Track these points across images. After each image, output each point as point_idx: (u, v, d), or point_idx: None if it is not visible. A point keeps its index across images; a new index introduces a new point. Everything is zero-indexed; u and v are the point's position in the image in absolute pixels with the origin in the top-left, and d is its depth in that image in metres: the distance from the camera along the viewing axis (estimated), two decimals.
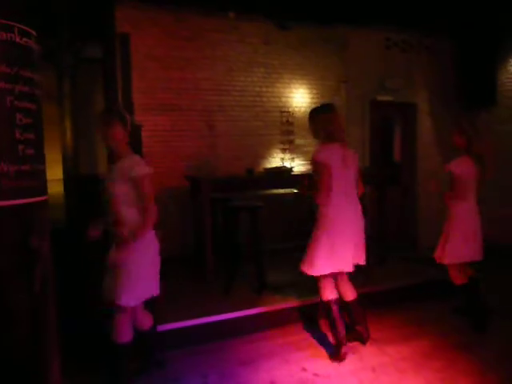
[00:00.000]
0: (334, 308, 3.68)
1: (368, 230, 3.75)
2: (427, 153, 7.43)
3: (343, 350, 3.66)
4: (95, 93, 5.99)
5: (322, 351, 3.83)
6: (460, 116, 6.91)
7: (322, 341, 3.99)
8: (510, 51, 7.06)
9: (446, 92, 7.60)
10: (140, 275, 3.04)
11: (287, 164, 6.48)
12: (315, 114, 3.74)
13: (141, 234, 3.02)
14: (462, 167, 4.13)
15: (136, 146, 3.25)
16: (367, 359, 3.68)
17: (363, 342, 3.89)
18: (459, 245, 4.18)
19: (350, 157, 3.61)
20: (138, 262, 3.02)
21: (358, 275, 3.83)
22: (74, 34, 4.74)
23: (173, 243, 5.03)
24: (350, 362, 3.63)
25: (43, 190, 1.91)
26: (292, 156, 6.59)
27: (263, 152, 6.52)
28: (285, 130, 6.61)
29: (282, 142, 6.61)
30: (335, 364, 3.60)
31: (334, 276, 3.72)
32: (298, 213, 5.97)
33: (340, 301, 3.77)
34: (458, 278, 4.33)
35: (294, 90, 6.72)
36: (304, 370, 3.52)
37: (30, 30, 1.80)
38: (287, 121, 6.61)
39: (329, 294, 3.69)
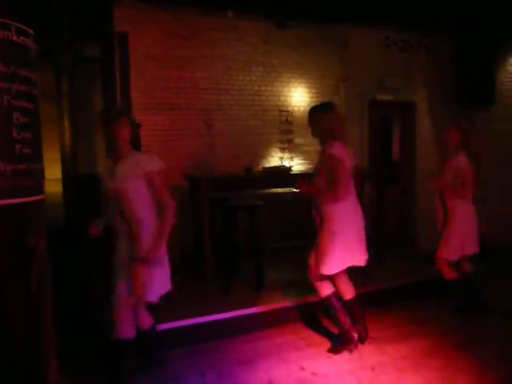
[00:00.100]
0: (335, 300, 3.73)
1: (367, 229, 3.75)
2: (426, 152, 7.43)
3: (355, 338, 3.74)
4: (94, 92, 5.99)
5: (321, 350, 3.82)
6: (459, 115, 6.93)
7: (321, 340, 3.98)
8: (510, 51, 7.07)
9: (445, 91, 7.60)
10: (157, 270, 3.06)
11: (286, 163, 6.48)
12: (316, 112, 3.70)
13: (165, 232, 3.03)
14: (466, 164, 4.18)
15: (135, 145, 3.24)
16: (366, 358, 3.67)
17: (362, 341, 3.89)
18: (461, 242, 4.27)
19: (351, 155, 3.64)
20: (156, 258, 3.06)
21: (357, 274, 3.83)
22: (73, 34, 4.73)
23: (172, 242, 5.01)
24: (349, 361, 3.63)
25: (40, 189, 1.91)
26: (291, 155, 6.59)
27: (262, 151, 6.52)
28: (284, 129, 6.60)
29: (281, 141, 6.60)
30: (334, 363, 3.60)
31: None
32: (296, 212, 5.96)
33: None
34: (449, 273, 4.40)
35: (292, 89, 6.72)
36: (302, 369, 3.51)
37: (28, 29, 1.80)
38: (286, 120, 6.61)
39: (326, 289, 3.72)
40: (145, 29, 5.76)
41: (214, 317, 4.09)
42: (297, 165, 6.61)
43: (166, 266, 3.18)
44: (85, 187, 4.70)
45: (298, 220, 5.87)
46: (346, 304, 3.83)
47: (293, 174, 5.82)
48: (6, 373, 1.77)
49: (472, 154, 4.20)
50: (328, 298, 3.73)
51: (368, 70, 7.08)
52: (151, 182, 3.05)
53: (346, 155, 3.55)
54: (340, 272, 3.67)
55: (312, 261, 3.70)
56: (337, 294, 3.75)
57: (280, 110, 6.60)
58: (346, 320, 3.74)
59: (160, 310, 3.44)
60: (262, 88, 6.52)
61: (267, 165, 6.41)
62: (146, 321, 3.36)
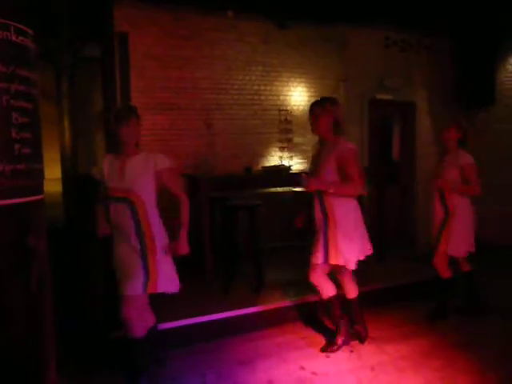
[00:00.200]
0: (336, 303, 3.73)
1: (367, 229, 3.75)
2: (426, 152, 7.42)
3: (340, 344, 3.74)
4: (94, 92, 6.00)
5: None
6: (458, 115, 6.93)
7: (321, 339, 3.98)
8: (510, 51, 7.06)
9: (445, 91, 7.60)
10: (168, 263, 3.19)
11: (285, 162, 6.48)
12: (331, 104, 3.57)
13: (186, 223, 3.19)
14: (471, 161, 4.20)
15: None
16: (366, 358, 3.67)
17: (361, 341, 3.90)
18: (462, 240, 4.25)
19: None
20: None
21: (357, 274, 3.83)
22: (73, 34, 4.74)
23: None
24: (349, 361, 3.63)
25: (40, 189, 1.91)
26: (290, 154, 6.59)
27: (261, 150, 6.51)
28: (283, 129, 6.60)
29: (281, 141, 6.60)
30: (334, 363, 3.60)
31: (337, 271, 3.75)
32: (296, 211, 5.96)
33: (341, 298, 3.78)
34: (446, 272, 4.38)
35: (292, 89, 6.72)
36: (302, 368, 3.51)
37: (27, 29, 1.79)
38: (286, 119, 6.61)
39: (329, 291, 3.70)
40: (145, 29, 5.76)
41: (214, 316, 4.09)
42: (296, 164, 6.61)
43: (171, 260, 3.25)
44: (85, 187, 4.70)
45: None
46: (348, 303, 3.84)
47: (292, 173, 5.82)
48: (6, 373, 1.77)
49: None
50: (330, 299, 3.72)
51: (368, 70, 7.08)
52: (163, 179, 3.14)
53: None
54: (349, 269, 3.68)
55: (319, 258, 3.58)
56: (339, 295, 3.74)
57: (279, 110, 6.60)
58: (345, 325, 3.77)
59: (160, 309, 3.44)
60: (262, 87, 6.52)
61: (267, 164, 6.41)
62: (149, 319, 3.37)
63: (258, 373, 3.45)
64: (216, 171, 6.03)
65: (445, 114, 7.33)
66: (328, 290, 3.71)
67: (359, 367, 3.53)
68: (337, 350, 3.74)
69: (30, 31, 1.82)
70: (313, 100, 3.76)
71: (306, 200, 3.90)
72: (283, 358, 3.68)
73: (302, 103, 6.69)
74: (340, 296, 3.78)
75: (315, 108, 3.59)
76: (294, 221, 3.94)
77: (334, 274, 3.78)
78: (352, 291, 3.83)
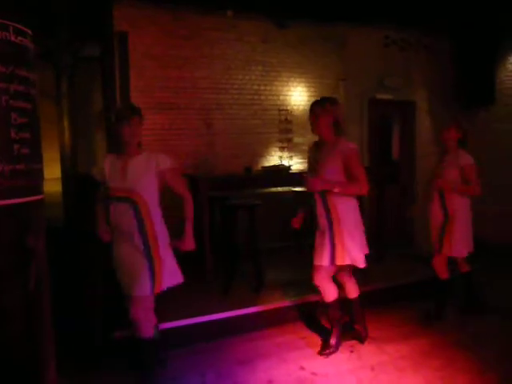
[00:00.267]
0: (336, 307, 3.73)
1: (366, 228, 3.74)
2: (426, 151, 7.41)
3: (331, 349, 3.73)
4: (93, 92, 5.98)
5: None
6: (458, 114, 6.94)
7: (321, 339, 3.98)
8: (510, 50, 7.06)
9: (444, 90, 7.60)
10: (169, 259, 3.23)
11: (285, 162, 6.48)
12: (331, 104, 3.55)
13: (191, 219, 3.26)
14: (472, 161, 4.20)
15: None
16: (366, 358, 3.67)
17: (361, 340, 3.89)
18: (466, 238, 4.25)
19: None
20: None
21: (356, 274, 3.83)
22: (73, 34, 4.73)
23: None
24: (349, 361, 3.63)
25: (39, 189, 1.90)
26: (290, 154, 6.58)
27: (261, 150, 6.51)
28: (283, 129, 6.60)
29: (280, 141, 6.60)
30: (333, 363, 3.60)
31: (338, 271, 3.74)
32: (296, 211, 5.96)
33: (342, 299, 3.78)
34: (445, 273, 4.38)
35: (292, 89, 6.71)
36: (302, 368, 3.51)
37: (26, 29, 1.79)
38: (285, 119, 6.60)
39: (331, 295, 3.69)
40: (144, 28, 5.75)
41: (214, 316, 4.09)
42: (296, 164, 6.60)
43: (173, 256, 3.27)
44: (84, 187, 4.69)
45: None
46: (349, 303, 3.83)
47: (292, 173, 5.82)
48: (5, 372, 1.77)
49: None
50: (332, 303, 3.71)
51: (368, 70, 7.08)
52: (165, 179, 3.17)
53: None
54: (350, 270, 3.69)
55: (325, 260, 3.54)
56: (341, 296, 3.74)
57: (279, 110, 6.60)
58: (338, 334, 3.78)
59: (160, 309, 3.43)
60: (262, 87, 6.52)
61: (266, 164, 6.40)
62: (153, 319, 3.36)
63: (257, 373, 3.45)
64: (216, 171, 6.03)
65: (445, 113, 7.32)
66: (330, 293, 3.69)
67: (359, 367, 3.52)
68: (332, 351, 3.72)
69: (28, 31, 1.82)
70: (313, 99, 3.74)
71: (303, 200, 3.89)
72: (283, 358, 3.68)
73: (302, 103, 6.68)
74: (341, 297, 3.78)
75: (315, 108, 3.56)
76: (291, 221, 3.91)
77: (334, 274, 3.77)
78: (353, 291, 3.83)
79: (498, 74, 7.19)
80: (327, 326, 3.97)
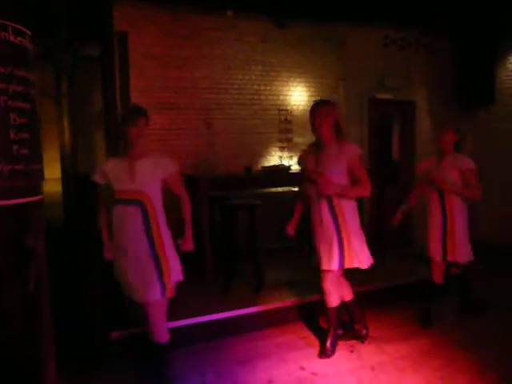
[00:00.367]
0: (338, 312, 3.72)
1: (366, 227, 3.74)
2: (426, 151, 7.39)
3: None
4: (93, 92, 6.00)
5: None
6: (458, 114, 6.94)
7: (320, 340, 3.97)
8: (509, 50, 7.06)
9: (445, 90, 7.60)
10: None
11: (285, 162, 6.48)
12: (333, 106, 3.56)
13: (190, 221, 3.33)
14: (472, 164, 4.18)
15: None
16: (366, 358, 3.67)
17: (362, 340, 3.89)
18: (468, 241, 4.24)
19: None
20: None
21: (356, 274, 3.82)
22: (73, 34, 4.74)
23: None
24: (349, 361, 3.63)
25: (38, 189, 1.90)
26: (290, 154, 6.58)
27: (261, 150, 6.51)
28: (283, 128, 6.60)
29: (280, 140, 6.60)
30: (334, 363, 3.59)
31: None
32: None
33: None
34: (440, 277, 4.35)
35: (292, 88, 6.71)
36: (302, 368, 3.51)
37: (25, 30, 1.79)
38: (285, 119, 6.60)
39: (334, 301, 3.68)
40: (144, 28, 5.75)
41: (214, 316, 4.09)
42: (296, 164, 6.59)
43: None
44: (84, 187, 4.70)
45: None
46: (347, 305, 3.83)
47: (292, 173, 5.81)
48: (5, 373, 1.77)
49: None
50: (334, 309, 3.69)
51: (367, 69, 7.07)
52: (171, 182, 3.19)
53: None
54: (343, 273, 3.69)
55: (334, 264, 3.50)
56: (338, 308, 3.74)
57: (279, 109, 6.60)
58: (334, 339, 3.77)
59: None
60: (262, 87, 6.51)
61: (266, 164, 6.40)
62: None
63: (257, 373, 3.45)
64: (216, 171, 6.02)
65: (445, 113, 7.33)
66: (335, 299, 3.67)
67: (359, 367, 3.52)
68: (331, 354, 3.70)
69: (28, 32, 1.82)
70: (312, 99, 3.76)
71: (300, 203, 3.89)
72: (283, 358, 3.68)
73: (302, 103, 6.68)
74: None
75: (320, 108, 3.51)
76: (285, 229, 3.88)
77: None
78: (348, 293, 3.82)
79: (498, 74, 7.19)
80: (325, 326, 3.97)
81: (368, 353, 3.76)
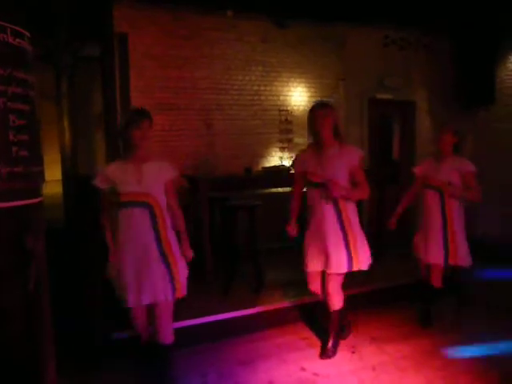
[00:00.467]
0: (338, 317, 3.72)
1: (366, 227, 3.75)
2: (426, 151, 7.39)
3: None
4: (93, 92, 5.99)
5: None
6: (458, 114, 6.93)
7: (321, 340, 3.97)
8: (510, 50, 7.05)
9: (445, 90, 7.60)
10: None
11: (286, 163, 6.48)
12: (332, 109, 3.57)
13: (185, 234, 3.28)
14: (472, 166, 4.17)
15: None
16: (367, 358, 3.67)
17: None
18: (466, 245, 4.20)
19: None
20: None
21: (357, 274, 3.81)
22: (72, 34, 4.73)
23: None
24: (350, 362, 3.62)
25: (38, 191, 1.90)
26: (290, 155, 6.58)
27: (261, 151, 6.51)
28: (283, 129, 6.60)
29: (281, 141, 6.60)
30: (335, 363, 3.59)
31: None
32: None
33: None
34: (440, 281, 4.31)
35: (292, 89, 6.71)
36: (303, 369, 3.51)
37: (24, 31, 1.79)
38: (286, 119, 6.60)
39: (338, 304, 3.67)
40: (144, 29, 5.75)
41: (215, 317, 4.09)
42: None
43: None
44: (85, 188, 4.69)
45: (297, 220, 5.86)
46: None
47: (292, 174, 5.80)
48: (5, 373, 1.78)
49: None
50: (337, 311, 3.69)
51: (367, 69, 7.08)
52: (167, 189, 3.15)
53: None
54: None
55: (344, 267, 3.49)
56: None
57: (279, 110, 6.60)
58: (336, 328, 3.77)
59: None
60: (262, 88, 6.51)
61: (267, 164, 6.40)
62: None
63: (258, 373, 3.45)
64: (216, 172, 6.02)
65: (445, 113, 7.33)
66: (341, 301, 3.68)
67: (360, 368, 3.52)
68: (332, 354, 3.69)
69: (26, 33, 1.81)
70: (313, 100, 3.78)
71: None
72: (284, 359, 3.68)
73: (302, 103, 6.68)
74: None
75: (321, 109, 3.50)
76: (287, 230, 3.85)
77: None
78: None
79: (498, 74, 7.18)
80: (326, 326, 3.96)
81: (369, 353, 3.76)
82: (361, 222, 3.69)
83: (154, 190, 3.05)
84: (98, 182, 3.08)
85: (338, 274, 3.55)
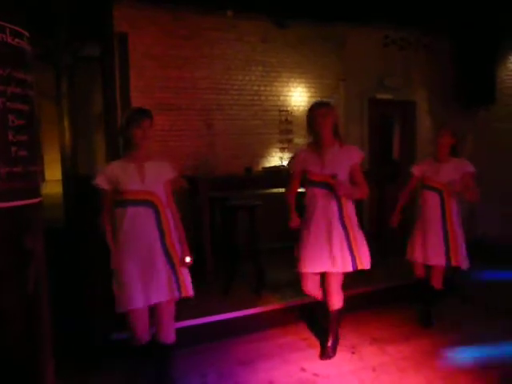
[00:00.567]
0: (338, 317, 3.74)
1: (366, 227, 3.74)
2: (426, 151, 7.40)
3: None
4: (93, 92, 5.98)
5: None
6: (458, 114, 6.93)
7: (322, 341, 3.97)
8: (510, 50, 7.05)
9: (445, 90, 7.60)
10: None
11: (286, 163, 6.46)
12: (332, 108, 3.57)
13: (184, 238, 3.23)
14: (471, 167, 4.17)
15: None
16: (367, 359, 3.66)
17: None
18: (464, 247, 4.19)
19: None
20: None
21: (357, 274, 3.81)
22: (73, 34, 4.73)
23: None
24: (350, 362, 3.62)
25: (37, 191, 1.90)
26: (291, 155, 6.57)
27: (262, 151, 6.51)
28: (283, 129, 6.60)
29: (281, 141, 6.60)
30: (335, 364, 3.59)
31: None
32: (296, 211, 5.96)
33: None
34: (440, 283, 4.30)
35: (292, 89, 6.71)
36: (303, 370, 3.50)
37: (23, 31, 1.79)
38: (286, 119, 6.60)
39: (338, 303, 3.68)
40: (144, 29, 5.76)
41: (215, 317, 4.08)
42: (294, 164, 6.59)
43: None
44: (85, 188, 4.68)
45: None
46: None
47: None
48: (5, 373, 1.78)
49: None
50: (337, 311, 3.69)
51: (367, 69, 7.08)
52: (167, 189, 3.14)
53: None
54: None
55: (349, 266, 3.48)
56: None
57: (280, 110, 6.60)
58: (336, 328, 3.78)
59: None
60: (262, 88, 6.52)
61: (267, 165, 6.41)
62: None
63: (259, 373, 3.45)
64: (216, 172, 6.03)
65: (445, 113, 7.33)
66: (341, 301, 3.67)
67: (361, 368, 3.52)
68: (332, 355, 3.69)
69: (26, 33, 1.81)
70: (313, 100, 3.77)
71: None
72: (284, 359, 3.68)
73: (303, 103, 6.68)
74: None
75: (323, 108, 3.49)
76: (290, 227, 3.81)
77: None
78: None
79: (498, 74, 7.19)
80: (325, 326, 3.96)
81: (369, 353, 3.75)
82: (361, 221, 3.70)
83: (157, 189, 3.05)
84: (99, 182, 3.02)
85: (340, 274, 3.55)
